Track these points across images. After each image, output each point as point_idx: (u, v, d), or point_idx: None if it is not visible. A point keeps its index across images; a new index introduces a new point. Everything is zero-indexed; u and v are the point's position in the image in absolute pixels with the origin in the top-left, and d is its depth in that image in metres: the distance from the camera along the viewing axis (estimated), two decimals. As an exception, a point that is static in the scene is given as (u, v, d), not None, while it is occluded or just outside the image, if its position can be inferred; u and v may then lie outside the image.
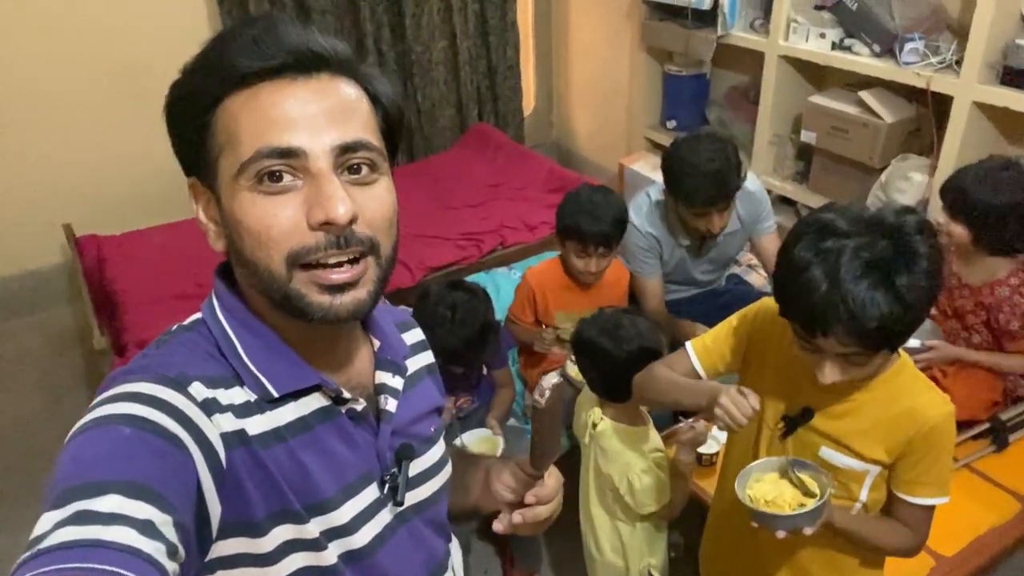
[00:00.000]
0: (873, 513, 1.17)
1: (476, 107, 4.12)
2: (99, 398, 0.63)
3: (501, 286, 2.67)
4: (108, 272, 2.89)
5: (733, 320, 1.25)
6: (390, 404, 0.79)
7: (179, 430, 0.61)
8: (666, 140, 3.60)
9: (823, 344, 0.98)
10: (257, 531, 0.68)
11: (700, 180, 1.92)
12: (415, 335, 0.93)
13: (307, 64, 0.66)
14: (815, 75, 2.97)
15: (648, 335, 1.53)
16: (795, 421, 1.14)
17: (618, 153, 3.95)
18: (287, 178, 0.64)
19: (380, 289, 0.70)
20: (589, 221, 1.93)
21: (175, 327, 0.75)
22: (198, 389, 0.66)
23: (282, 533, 0.69)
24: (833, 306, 0.92)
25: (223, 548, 0.66)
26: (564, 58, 4.38)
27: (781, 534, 1.04)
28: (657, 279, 2.21)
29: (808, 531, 1.04)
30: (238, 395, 0.69)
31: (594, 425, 1.52)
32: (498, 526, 0.80)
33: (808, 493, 1.07)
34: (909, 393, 1.08)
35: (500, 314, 2.42)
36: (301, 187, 0.65)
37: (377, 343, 0.82)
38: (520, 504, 0.81)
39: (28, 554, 0.49)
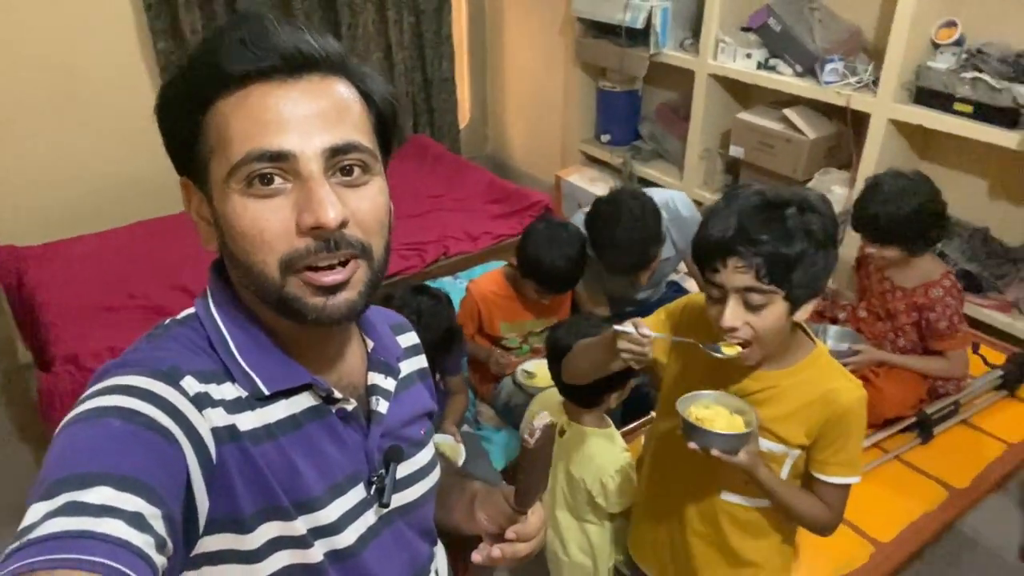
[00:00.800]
0: None
1: (412, 119, 4.12)
2: (90, 390, 0.62)
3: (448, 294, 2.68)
4: (28, 285, 2.74)
5: (661, 313, 1.31)
6: (381, 405, 0.79)
7: (170, 424, 0.61)
8: (600, 154, 3.71)
9: (724, 278, 1.06)
10: (244, 527, 0.67)
11: (621, 254, 1.97)
12: (410, 338, 0.94)
13: (297, 65, 0.65)
14: (742, 93, 3.12)
15: None
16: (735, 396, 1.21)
17: (553, 166, 4.03)
18: (277, 181, 0.64)
19: (371, 291, 0.70)
20: (552, 267, 1.96)
21: (168, 321, 0.74)
22: (190, 383, 0.65)
23: (269, 530, 0.69)
24: (731, 230, 1.04)
25: (209, 544, 0.66)
26: (499, 72, 4.44)
27: (715, 452, 1.09)
28: (599, 293, 2.25)
29: (740, 457, 1.10)
30: (230, 391, 0.69)
31: (561, 432, 1.55)
32: (476, 557, 0.80)
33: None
34: (824, 379, 1.16)
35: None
36: (291, 190, 0.65)
37: (371, 344, 0.83)
38: (501, 537, 0.82)
39: (17, 544, 0.49)
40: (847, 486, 1.18)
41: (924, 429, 1.78)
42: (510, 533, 0.79)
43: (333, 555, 0.74)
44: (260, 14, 0.66)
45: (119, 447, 0.56)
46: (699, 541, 1.31)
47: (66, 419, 0.59)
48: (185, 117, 0.66)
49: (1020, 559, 2.28)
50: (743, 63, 2.86)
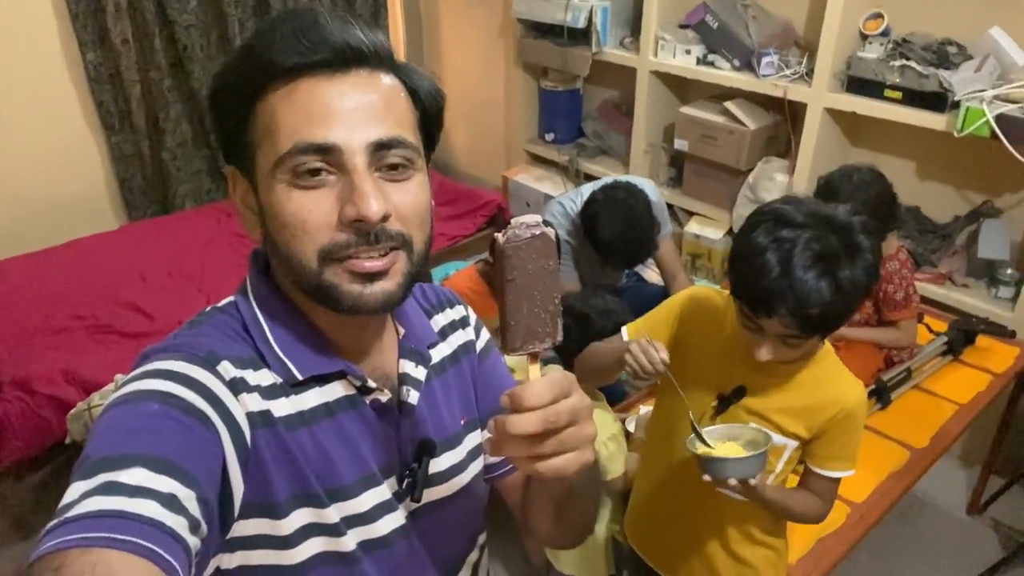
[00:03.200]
0: (782, 482, 1.30)
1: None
2: (131, 375, 0.64)
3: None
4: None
5: (665, 306, 1.35)
6: (412, 396, 0.78)
7: (206, 407, 0.62)
8: (545, 152, 3.76)
9: (766, 325, 1.08)
10: (278, 512, 0.68)
11: (622, 249, 2.04)
12: (452, 313, 0.89)
13: (346, 59, 0.66)
14: (682, 88, 3.22)
15: (626, 314, 1.67)
16: (728, 399, 1.24)
17: (498, 167, 4.06)
18: (322, 173, 0.65)
19: (410, 283, 0.70)
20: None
21: (209, 308, 0.75)
22: (227, 368, 0.67)
23: (301, 517, 0.70)
24: (782, 291, 1.02)
25: (244, 528, 0.67)
26: (437, 75, 4.42)
27: (733, 482, 1.11)
28: (575, 283, 2.29)
29: (754, 481, 1.12)
30: (266, 377, 0.70)
31: None
32: (484, 444, 0.76)
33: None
34: (831, 378, 1.21)
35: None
36: (336, 182, 0.65)
37: (402, 331, 0.81)
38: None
39: (55, 522, 0.50)
40: (841, 479, 1.24)
41: (882, 395, 1.89)
42: (503, 398, 0.58)
43: (366, 545, 0.74)
44: (312, 8, 0.67)
45: (156, 429, 0.58)
46: (697, 528, 1.35)
47: (108, 401, 0.61)
48: (235, 107, 0.67)
49: (967, 515, 2.44)
50: (683, 59, 2.96)
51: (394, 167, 0.67)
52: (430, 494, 0.80)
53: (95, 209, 3.35)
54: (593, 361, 1.34)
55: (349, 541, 0.73)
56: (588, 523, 0.90)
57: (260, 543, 0.68)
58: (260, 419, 0.67)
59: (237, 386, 0.67)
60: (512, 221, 0.63)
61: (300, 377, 0.70)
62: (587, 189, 2.26)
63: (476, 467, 0.87)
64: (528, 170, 3.83)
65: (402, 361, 0.80)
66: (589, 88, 3.66)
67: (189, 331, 0.71)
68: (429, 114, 0.74)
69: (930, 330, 2.13)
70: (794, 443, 1.23)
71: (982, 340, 2.10)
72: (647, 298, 2.43)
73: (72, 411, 1.92)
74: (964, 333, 2.08)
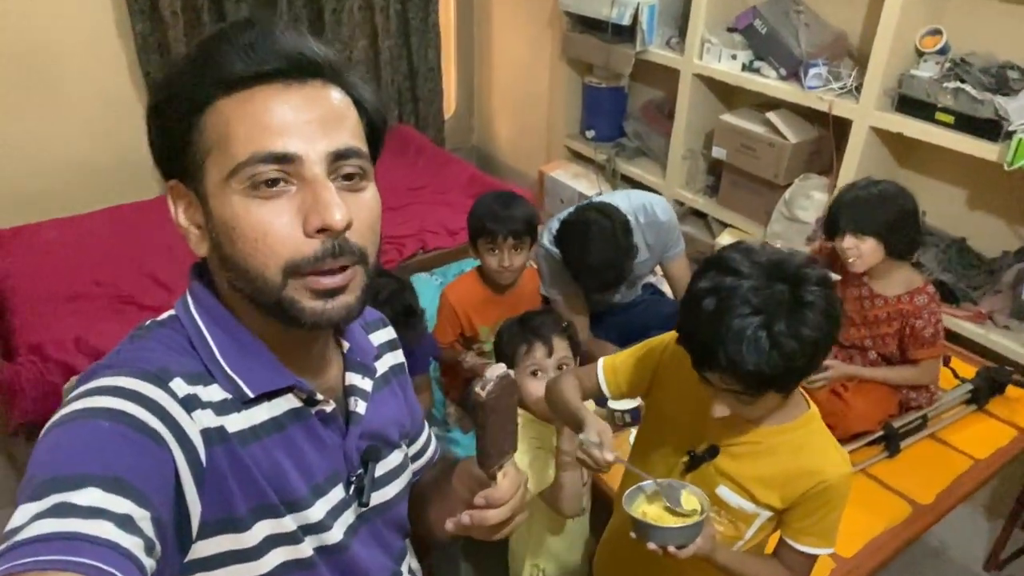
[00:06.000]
0: (752, 550, 1.22)
1: (397, 108, 4.08)
2: (76, 391, 0.63)
3: (422, 292, 2.63)
4: (-1, 269, 2.70)
5: (644, 347, 1.27)
6: (360, 406, 0.81)
7: (159, 425, 0.61)
8: (585, 150, 3.68)
9: (711, 378, 1.01)
10: (241, 526, 0.69)
11: (594, 273, 1.95)
12: (383, 335, 0.94)
13: (302, 70, 0.66)
14: (726, 94, 3.09)
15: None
16: (700, 457, 1.16)
17: (538, 160, 4.00)
18: (280, 183, 0.65)
19: (367, 297, 0.72)
20: (497, 213, 1.97)
21: (148, 322, 0.75)
22: (179, 385, 0.66)
23: (263, 528, 0.71)
24: (715, 344, 0.95)
25: (206, 548, 0.67)
26: (486, 63, 4.40)
27: (652, 546, 1.05)
28: (580, 301, 2.19)
29: (684, 552, 1.04)
30: (216, 392, 0.69)
31: None
32: (449, 524, 0.79)
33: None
34: (812, 449, 1.11)
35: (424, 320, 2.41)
36: (294, 192, 0.65)
37: (347, 345, 0.84)
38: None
39: (6, 545, 0.49)
40: (817, 556, 1.15)
41: (891, 443, 1.77)
42: (478, 499, 0.75)
43: (322, 550, 0.76)
44: (266, 18, 0.67)
45: (108, 448, 0.57)
46: (659, 571, 1.28)
47: (53, 419, 0.60)
48: (182, 116, 0.66)
49: (985, 570, 2.30)
50: (728, 64, 2.84)
51: (350, 177, 0.68)
52: (376, 497, 0.83)
53: (138, 176, 3.42)
54: (558, 407, 1.28)
55: (306, 548, 0.74)
56: None
57: (226, 560, 0.69)
58: (216, 435, 0.67)
59: (190, 403, 0.66)
60: (486, 373, 0.73)
61: (251, 395, 0.70)
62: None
63: (410, 471, 0.93)
64: (566, 166, 3.76)
65: (349, 374, 0.83)
66: (635, 87, 3.55)
67: (132, 346, 0.70)
68: (374, 128, 0.74)
69: (955, 375, 1.99)
70: (767, 513, 1.15)
71: (1013, 391, 1.96)
72: (660, 316, 2.35)
73: (66, 384, 1.96)
74: (993, 381, 1.94)
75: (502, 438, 0.76)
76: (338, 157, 0.67)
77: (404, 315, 1.76)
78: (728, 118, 2.87)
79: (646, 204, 2.18)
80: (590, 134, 3.65)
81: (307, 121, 0.65)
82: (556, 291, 2.18)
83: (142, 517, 0.54)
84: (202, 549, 0.66)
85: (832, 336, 0.97)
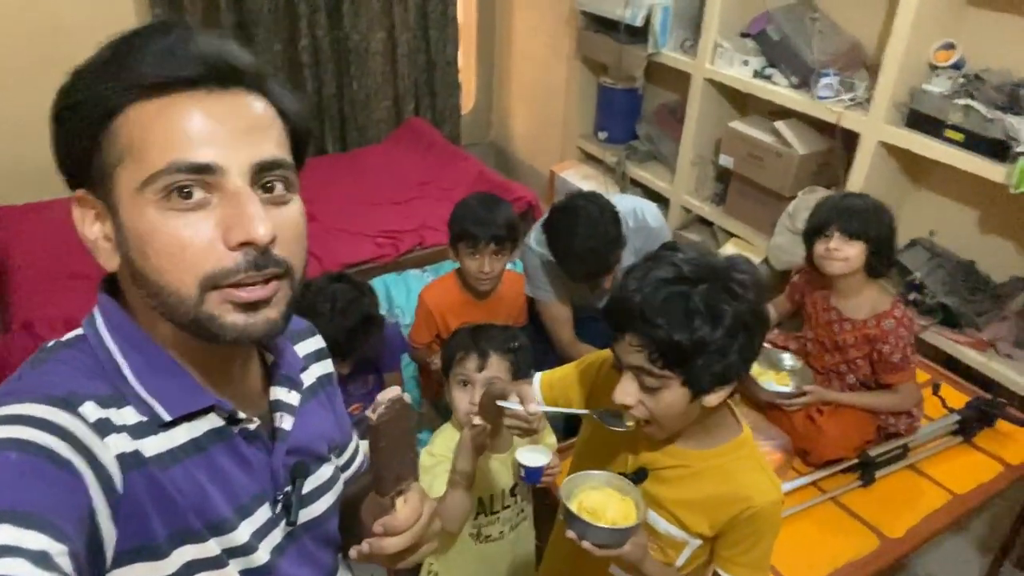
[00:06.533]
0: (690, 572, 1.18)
1: (413, 101, 4.07)
2: None
3: (412, 288, 2.64)
4: (3, 244, 2.76)
5: (583, 362, 1.25)
6: (286, 422, 0.78)
7: (71, 454, 0.58)
8: (596, 151, 3.63)
9: (620, 351, 0.99)
10: (159, 554, 0.65)
11: (579, 260, 1.91)
12: (311, 344, 0.90)
13: (223, 77, 0.64)
14: (739, 100, 3.02)
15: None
16: (629, 480, 1.13)
17: (552, 159, 3.96)
18: (198, 194, 0.62)
19: (291, 311, 0.69)
20: (478, 218, 1.94)
21: (51, 343, 0.70)
22: (90, 409, 0.62)
23: (184, 554, 0.67)
24: (630, 302, 0.95)
25: None
26: (506, 58, 4.37)
27: (586, 544, 1.02)
28: (562, 302, 2.17)
29: (623, 550, 1.02)
30: (130, 415, 0.66)
31: None
32: (352, 552, 0.77)
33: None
34: (740, 474, 1.07)
35: (409, 317, 2.40)
36: (214, 205, 0.62)
37: (271, 358, 0.80)
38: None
39: None
40: None
41: (866, 471, 1.71)
42: (376, 526, 0.73)
43: (249, 572, 0.73)
44: (183, 22, 0.65)
45: (18, 482, 0.54)
46: None
47: None
48: (90, 122, 0.63)
49: (971, 606, 2.22)
50: (739, 70, 2.77)
51: (272, 189, 0.66)
52: (305, 514, 0.80)
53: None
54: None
55: (232, 571, 0.71)
56: None
57: None
58: (132, 460, 0.64)
59: (103, 428, 0.62)
60: (378, 398, 0.71)
61: (169, 418, 0.67)
62: None
63: (340, 485, 0.89)
64: (577, 167, 3.72)
65: (275, 388, 0.79)
66: (650, 89, 3.49)
67: (33, 371, 0.65)
68: (298, 138, 0.71)
69: (944, 404, 1.91)
70: (697, 541, 1.12)
71: (1003, 425, 1.87)
72: None
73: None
74: (983, 413, 1.86)
75: (397, 463, 0.73)
76: (262, 168, 0.64)
77: (362, 323, 1.74)
78: (736, 125, 2.80)
79: (637, 209, 2.14)
80: (603, 135, 3.61)
81: (230, 131, 0.62)
82: (541, 292, 2.15)
83: (59, 552, 0.52)
84: None
85: (753, 335, 0.96)
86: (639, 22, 3.00)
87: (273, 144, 0.66)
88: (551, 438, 1.56)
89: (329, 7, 3.63)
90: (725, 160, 2.86)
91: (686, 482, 1.09)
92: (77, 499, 0.57)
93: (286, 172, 0.66)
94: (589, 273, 1.97)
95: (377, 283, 2.67)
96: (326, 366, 0.90)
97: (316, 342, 0.91)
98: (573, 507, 1.05)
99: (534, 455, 1.24)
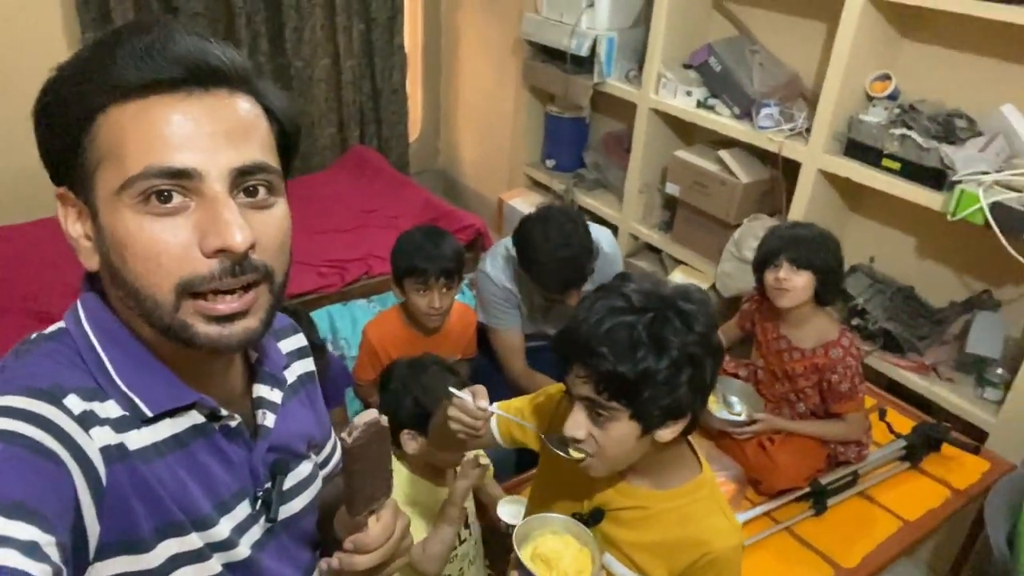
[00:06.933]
0: None
1: (358, 128, 4.01)
2: None
3: (358, 319, 2.57)
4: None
5: (541, 394, 1.21)
6: (268, 419, 0.78)
7: (55, 445, 0.58)
8: (545, 179, 3.63)
9: (571, 382, 0.96)
10: (143, 547, 0.66)
11: (554, 269, 1.87)
12: (293, 342, 0.90)
13: (204, 78, 0.62)
14: (683, 130, 3.05)
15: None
16: (585, 521, 1.09)
17: (500, 186, 3.94)
18: (176, 198, 0.61)
19: (272, 317, 0.68)
20: (426, 252, 1.88)
21: (34, 336, 0.69)
22: (74, 402, 0.62)
23: (168, 548, 0.68)
24: (578, 326, 0.93)
25: (103, 570, 0.64)
26: (453, 86, 4.35)
27: None
28: (518, 331, 2.13)
29: None
30: (112, 408, 0.65)
31: None
32: (323, 564, 0.78)
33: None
34: (699, 517, 1.04)
35: (354, 349, 2.32)
36: (192, 209, 0.62)
37: (255, 355, 0.80)
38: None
39: None
40: None
41: (818, 500, 1.70)
42: (347, 543, 0.75)
43: (231, 566, 0.74)
44: (165, 21, 0.63)
45: (5, 472, 0.54)
46: None
47: None
48: (71, 123, 0.62)
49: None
50: (683, 100, 2.80)
51: (255, 193, 0.65)
52: (284, 511, 0.80)
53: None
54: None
55: (215, 564, 0.72)
56: None
57: None
58: (115, 453, 0.64)
59: (87, 420, 0.62)
60: (355, 420, 0.71)
61: (151, 414, 0.67)
62: None
63: (319, 483, 0.89)
64: (525, 195, 3.70)
65: (258, 385, 0.79)
66: (597, 118, 3.51)
67: (16, 363, 0.65)
68: (287, 137, 0.70)
69: (891, 430, 1.93)
70: None
71: (948, 449, 1.90)
72: None
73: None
74: (928, 438, 1.88)
75: (370, 484, 0.74)
76: (242, 173, 0.63)
77: None
78: (682, 154, 2.83)
79: (592, 234, 2.12)
80: (550, 163, 3.61)
81: (209, 134, 0.61)
82: (495, 320, 2.10)
83: (47, 543, 0.52)
84: (100, 570, 0.63)
85: (703, 367, 0.93)
86: (584, 52, 3.02)
87: (256, 147, 0.64)
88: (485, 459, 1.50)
89: (271, 33, 3.57)
90: (672, 188, 2.88)
91: (643, 524, 1.05)
92: (62, 490, 0.57)
93: (269, 176, 0.65)
94: (564, 283, 1.92)
95: (321, 314, 2.59)
96: (307, 364, 0.90)
97: (298, 340, 0.91)
98: (527, 554, 1.00)
99: (515, 507, 1.20)
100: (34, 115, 0.64)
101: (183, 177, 0.60)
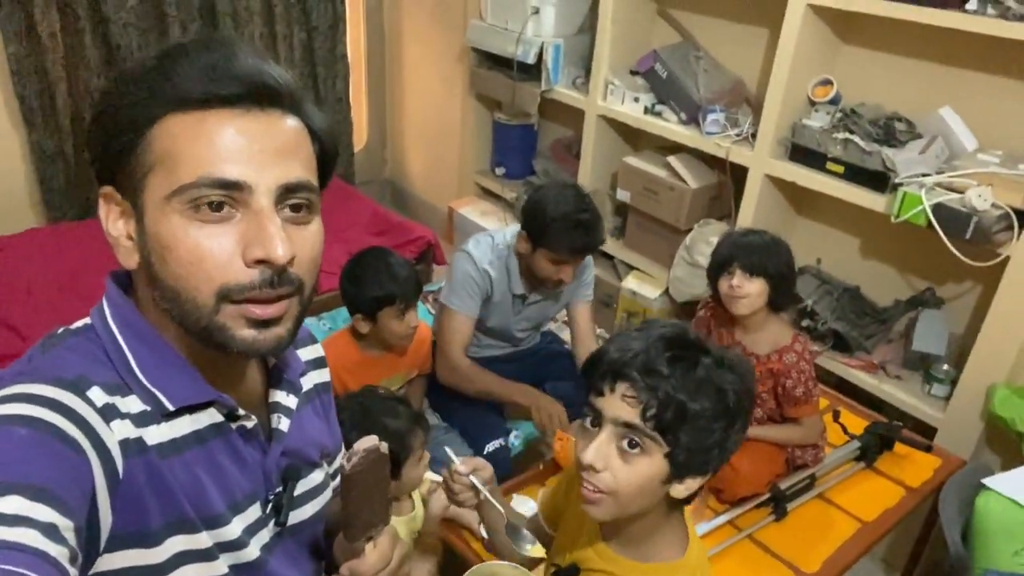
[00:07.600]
0: None
1: (302, 140, 3.92)
2: None
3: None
4: None
5: (565, 471, 1.19)
6: (282, 423, 0.80)
7: (77, 434, 0.60)
8: (494, 187, 3.60)
9: (604, 404, 0.88)
10: (152, 541, 0.67)
11: (571, 229, 1.90)
12: (310, 352, 0.92)
13: (260, 98, 0.65)
14: (632, 135, 3.06)
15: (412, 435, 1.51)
16: (561, 574, 1.04)
17: (450, 195, 3.90)
18: (225, 209, 0.64)
19: (298, 327, 0.71)
20: (401, 278, 1.85)
21: (60, 330, 0.72)
22: (97, 394, 0.65)
23: (176, 544, 0.69)
24: (630, 346, 0.87)
25: (110, 562, 0.65)
26: (399, 95, 4.29)
27: None
28: (471, 321, 2.07)
29: None
30: (134, 403, 0.68)
31: None
32: None
33: None
34: None
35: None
36: (237, 220, 0.65)
37: (272, 361, 0.83)
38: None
39: None
40: None
41: (778, 505, 1.71)
42: (344, 569, 0.77)
43: (237, 568, 0.75)
44: (229, 39, 0.66)
45: (28, 456, 0.55)
46: None
47: None
48: (128, 127, 0.64)
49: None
50: (631, 106, 2.81)
51: (297, 210, 0.68)
52: (293, 516, 0.82)
53: (13, 207, 3.18)
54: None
55: (221, 565, 0.73)
56: None
57: (131, 575, 0.67)
58: (134, 447, 0.66)
59: (109, 413, 0.65)
60: (355, 446, 0.73)
61: (172, 408, 0.69)
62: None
63: (329, 492, 0.91)
64: (475, 203, 3.67)
65: (274, 391, 0.82)
66: (545, 125, 3.50)
67: (44, 355, 0.68)
68: (326, 157, 0.73)
69: (845, 431, 1.96)
70: None
71: (900, 447, 1.93)
72: (558, 368, 2.32)
73: None
74: (881, 438, 1.91)
75: (367, 511, 0.75)
76: (288, 190, 0.66)
77: None
78: (631, 160, 2.83)
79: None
80: (500, 171, 3.58)
81: (261, 150, 0.64)
82: (456, 301, 2.03)
83: (66, 527, 0.53)
84: (107, 562, 0.64)
85: (742, 426, 0.89)
86: (531, 59, 3.00)
87: (301, 166, 0.68)
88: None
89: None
90: (622, 195, 2.88)
91: None
92: (82, 479, 0.59)
93: (310, 195, 0.68)
94: (578, 246, 1.93)
95: (268, 334, 2.50)
96: (323, 374, 0.94)
97: (315, 350, 0.94)
98: None
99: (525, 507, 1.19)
100: (92, 116, 0.67)
101: (233, 188, 0.63)
